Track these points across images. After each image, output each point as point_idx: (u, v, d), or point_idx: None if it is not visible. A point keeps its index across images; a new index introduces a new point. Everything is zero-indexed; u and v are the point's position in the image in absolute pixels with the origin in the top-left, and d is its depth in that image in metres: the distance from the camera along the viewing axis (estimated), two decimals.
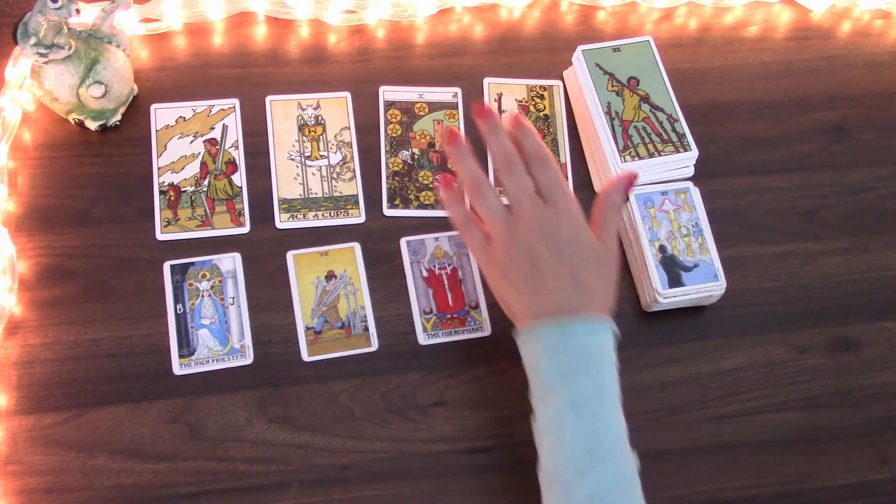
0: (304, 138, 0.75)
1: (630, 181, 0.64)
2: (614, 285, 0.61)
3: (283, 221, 0.72)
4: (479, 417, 0.67)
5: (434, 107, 0.78)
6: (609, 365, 0.58)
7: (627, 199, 0.65)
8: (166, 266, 0.69)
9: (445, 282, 0.71)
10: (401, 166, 0.75)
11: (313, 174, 0.74)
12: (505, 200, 0.62)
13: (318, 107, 0.77)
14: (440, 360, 0.69)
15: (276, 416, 0.66)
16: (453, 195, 0.64)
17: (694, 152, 0.73)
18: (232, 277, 0.70)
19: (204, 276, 0.69)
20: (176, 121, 0.75)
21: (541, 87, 0.80)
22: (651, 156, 0.73)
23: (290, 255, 0.71)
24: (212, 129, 0.75)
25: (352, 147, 0.76)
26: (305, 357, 0.68)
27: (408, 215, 0.74)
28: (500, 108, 0.79)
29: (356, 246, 0.72)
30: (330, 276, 0.70)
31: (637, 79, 0.76)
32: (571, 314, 0.58)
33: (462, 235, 0.64)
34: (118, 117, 0.73)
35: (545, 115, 0.79)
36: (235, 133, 0.75)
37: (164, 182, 0.72)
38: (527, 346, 0.59)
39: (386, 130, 0.77)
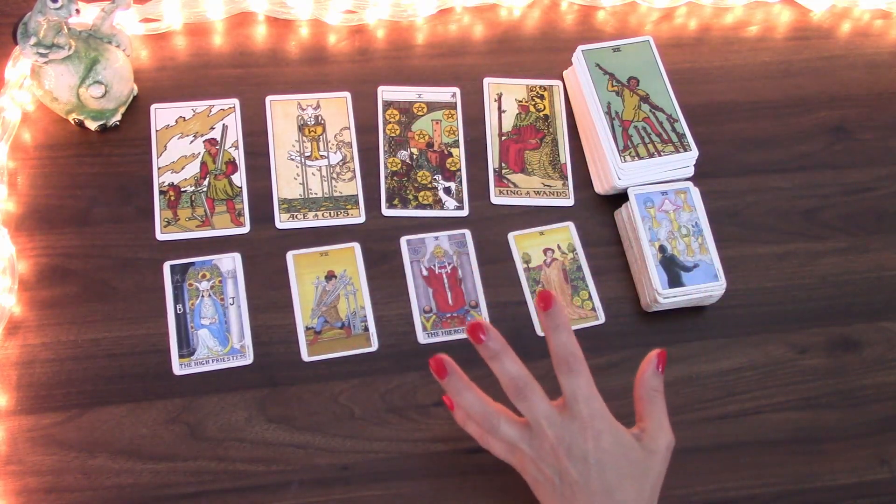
0: (304, 138, 0.75)
1: (662, 358, 0.59)
2: (657, 483, 0.58)
3: (283, 221, 0.72)
4: None
5: (432, 107, 0.78)
6: None
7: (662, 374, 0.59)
8: (166, 266, 0.69)
9: (445, 281, 0.71)
10: (399, 166, 0.75)
11: (313, 174, 0.74)
12: None
13: (317, 107, 0.77)
14: None
15: (276, 416, 0.66)
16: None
17: (694, 152, 0.73)
18: (232, 277, 0.69)
19: (204, 276, 0.69)
20: (176, 121, 0.75)
21: (541, 87, 0.80)
22: (651, 156, 0.73)
23: (290, 255, 0.71)
24: (212, 129, 0.75)
25: (352, 147, 0.76)
26: (305, 357, 0.68)
27: (406, 215, 0.74)
28: (500, 107, 0.79)
29: (356, 246, 0.72)
30: (330, 276, 0.70)
31: (637, 79, 0.76)
32: None
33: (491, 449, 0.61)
34: (118, 117, 0.73)
35: (545, 115, 0.79)
36: (235, 133, 0.75)
37: (164, 182, 0.72)
38: None
39: (384, 130, 0.77)
